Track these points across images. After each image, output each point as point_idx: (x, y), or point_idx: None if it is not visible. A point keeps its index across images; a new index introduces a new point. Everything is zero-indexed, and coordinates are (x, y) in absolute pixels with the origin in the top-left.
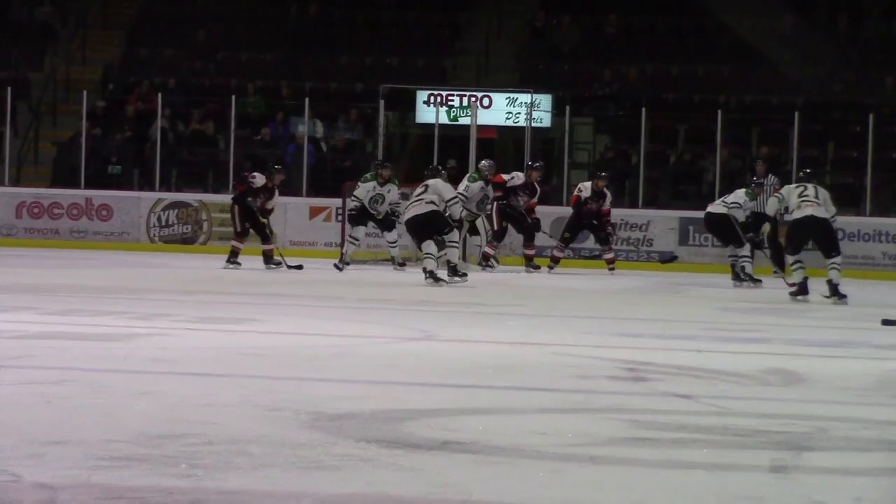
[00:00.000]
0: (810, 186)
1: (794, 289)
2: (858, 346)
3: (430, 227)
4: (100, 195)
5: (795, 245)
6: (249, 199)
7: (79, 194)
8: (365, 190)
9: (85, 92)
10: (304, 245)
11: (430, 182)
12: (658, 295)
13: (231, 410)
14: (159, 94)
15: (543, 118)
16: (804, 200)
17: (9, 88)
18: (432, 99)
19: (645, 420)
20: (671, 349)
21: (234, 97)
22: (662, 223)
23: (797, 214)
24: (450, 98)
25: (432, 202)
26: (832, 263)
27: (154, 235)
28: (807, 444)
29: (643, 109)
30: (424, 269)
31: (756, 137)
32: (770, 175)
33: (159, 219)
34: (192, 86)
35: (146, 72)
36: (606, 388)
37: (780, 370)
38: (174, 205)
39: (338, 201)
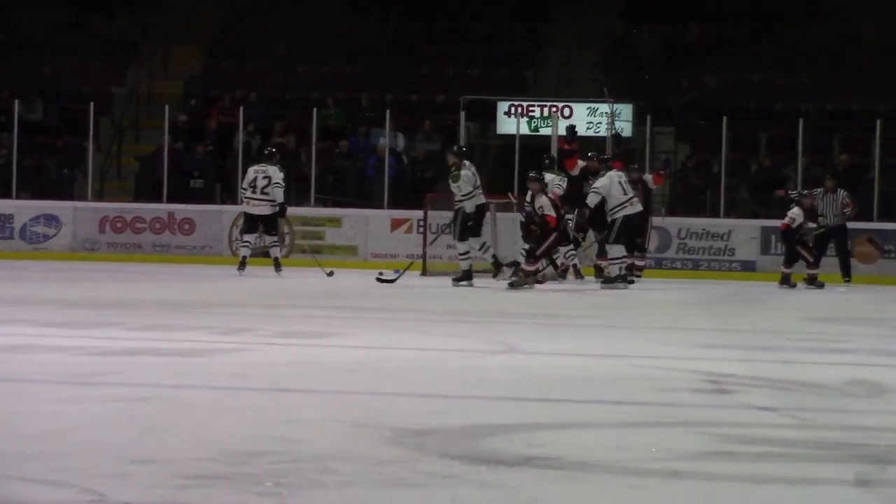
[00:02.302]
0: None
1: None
2: None
3: None
4: (182, 209)
5: (627, 238)
6: None
7: (161, 208)
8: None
9: (167, 106)
10: (386, 257)
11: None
12: (739, 305)
13: (315, 427)
14: (241, 108)
15: (624, 128)
16: (632, 197)
17: (91, 103)
18: (513, 110)
19: (728, 433)
20: (753, 360)
21: (314, 110)
22: (744, 232)
23: (631, 210)
24: (531, 109)
25: None
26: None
27: (236, 249)
28: (891, 457)
29: (724, 118)
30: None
31: (837, 145)
32: (839, 190)
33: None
34: (273, 99)
35: (227, 85)
36: (689, 401)
37: (863, 381)
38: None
39: (419, 213)
